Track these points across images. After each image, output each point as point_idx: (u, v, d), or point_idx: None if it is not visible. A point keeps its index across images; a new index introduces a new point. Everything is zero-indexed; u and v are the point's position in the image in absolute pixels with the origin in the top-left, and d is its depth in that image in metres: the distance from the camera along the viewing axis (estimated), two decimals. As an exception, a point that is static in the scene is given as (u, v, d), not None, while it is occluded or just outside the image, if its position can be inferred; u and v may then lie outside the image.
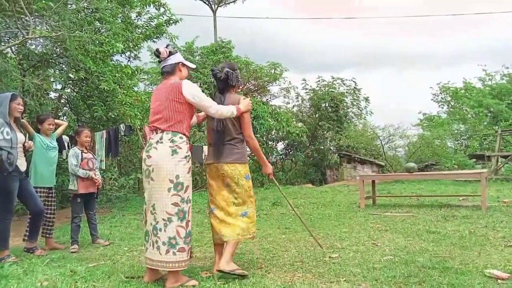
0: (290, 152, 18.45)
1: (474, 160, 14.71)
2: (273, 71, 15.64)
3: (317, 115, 17.97)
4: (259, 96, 16.15)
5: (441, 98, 24.39)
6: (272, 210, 7.71)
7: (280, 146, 18.30)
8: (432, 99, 24.53)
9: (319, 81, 17.79)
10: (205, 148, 11.98)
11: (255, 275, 3.29)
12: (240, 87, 3.77)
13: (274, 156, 17.85)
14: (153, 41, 10.08)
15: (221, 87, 3.43)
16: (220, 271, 3.15)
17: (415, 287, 2.85)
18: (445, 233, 4.76)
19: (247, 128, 3.36)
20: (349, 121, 18.17)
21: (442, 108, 24.35)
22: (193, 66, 3.61)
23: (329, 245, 4.37)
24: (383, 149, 17.12)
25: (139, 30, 9.64)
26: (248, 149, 3.60)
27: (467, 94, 22.36)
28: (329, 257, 3.85)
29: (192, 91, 3.15)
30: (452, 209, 6.69)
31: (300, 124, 17.15)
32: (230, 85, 3.39)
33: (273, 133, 17.14)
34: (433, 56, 43.45)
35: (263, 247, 4.42)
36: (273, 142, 17.78)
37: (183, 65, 3.36)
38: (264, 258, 3.91)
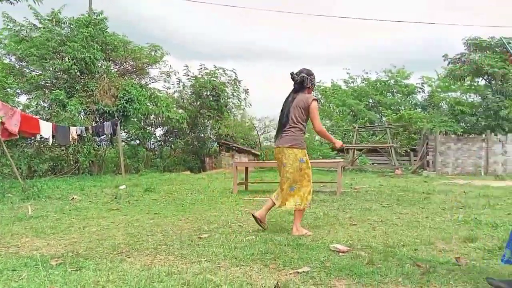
0: (170, 139, 18.09)
1: (336, 152, 16.44)
2: (153, 53, 15.03)
3: (198, 103, 17.93)
4: (138, 78, 15.37)
5: (313, 95, 26.59)
6: (143, 196, 7.44)
7: (159, 131, 17.81)
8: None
9: (201, 69, 17.76)
10: (72, 129, 10.96)
11: (114, 260, 3.13)
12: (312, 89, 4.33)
13: (152, 142, 17.28)
14: (11, 3, 8.74)
15: (297, 88, 4.14)
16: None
17: (269, 262, 3.04)
18: (303, 214, 5.20)
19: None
20: (229, 111, 18.56)
21: (313, 104, 26.56)
22: None
23: (197, 228, 4.40)
24: (259, 139, 17.95)
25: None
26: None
27: (334, 93, 24.79)
28: (198, 237, 3.88)
29: None
30: (313, 194, 7.35)
31: (180, 111, 16.90)
32: (305, 87, 4.12)
33: (151, 118, 16.55)
34: (307, 55, 47.05)
35: (128, 232, 4.23)
36: (152, 127, 17.19)
37: None
38: (127, 243, 3.74)
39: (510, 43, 2.41)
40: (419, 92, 23.90)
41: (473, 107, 17.99)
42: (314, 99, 4.10)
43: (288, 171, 4.07)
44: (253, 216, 4.22)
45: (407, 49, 40.97)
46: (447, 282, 2.62)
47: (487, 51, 17.04)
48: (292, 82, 4.18)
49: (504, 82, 16.63)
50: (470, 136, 15.06)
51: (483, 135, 14.71)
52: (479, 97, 18.69)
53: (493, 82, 17.16)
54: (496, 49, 16.87)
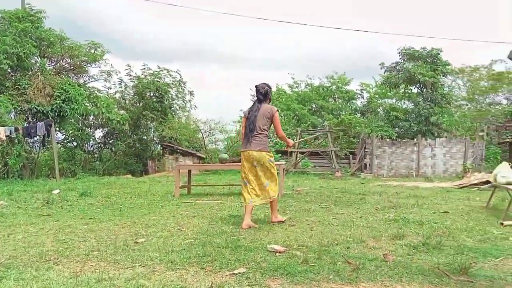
0: (110, 141, 17.40)
1: (280, 155, 16.73)
2: (93, 51, 14.38)
3: (141, 104, 17.43)
4: (75, 77, 14.62)
5: (258, 99, 26.89)
6: (79, 201, 7.08)
7: (99, 133, 17.06)
8: (251, 100, 26.84)
9: (144, 69, 17.30)
10: (0, 129, 10.19)
11: (40, 268, 2.94)
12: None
13: (90, 144, 16.50)
14: None
15: (262, 98, 4.73)
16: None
17: (206, 264, 3.03)
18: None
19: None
20: (173, 113, 18.24)
21: (259, 108, 26.86)
22: None
23: (134, 233, 4.26)
24: (204, 142, 17.80)
25: None
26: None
27: (279, 98, 25.24)
28: (135, 242, 3.77)
29: None
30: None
31: (122, 112, 16.33)
32: (268, 98, 4.78)
33: (90, 119, 15.82)
34: (253, 59, 47.50)
35: (58, 239, 4.00)
36: (91, 128, 16.42)
37: None
38: (56, 250, 3.54)
39: None
40: (359, 98, 25.09)
41: (407, 113, 19.17)
42: (276, 110, 4.74)
43: (259, 171, 4.65)
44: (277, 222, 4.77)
45: (348, 56, 42.81)
46: (374, 278, 2.76)
47: (419, 61, 18.28)
48: (255, 93, 4.78)
49: (434, 91, 17.92)
50: (404, 140, 16.04)
51: (415, 140, 15.74)
52: (412, 104, 19.97)
53: (424, 90, 18.43)
54: (427, 59, 18.16)
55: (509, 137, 17.29)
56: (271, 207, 4.81)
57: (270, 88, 4.83)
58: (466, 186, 9.85)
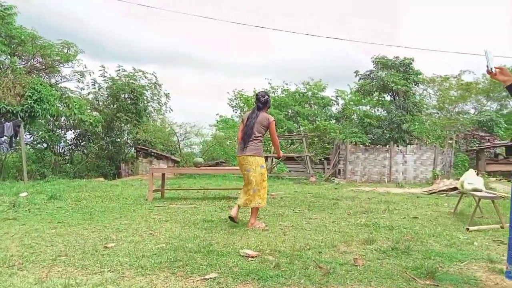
0: (82, 143, 16.99)
1: (256, 159, 16.73)
2: (66, 51, 14.04)
3: (115, 106, 17.12)
4: (47, 77, 14.22)
5: (236, 103, 26.93)
6: (47, 204, 6.86)
7: (70, 135, 16.63)
8: (228, 104, 26.81)
9: (119, 70, 17.02)
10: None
11: (2, 274, 2.83)
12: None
13: (61, 146, 16.06)
14: None
15: (261, 106, 4.97)
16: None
17: (177, 270, 3.00)
18: (218, 221, 5.22)
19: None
20: (148, 115, 18.00)
21: (236, 112, 26.91)
22: None
23: (104, 237, 4.17)
24: (179, 145, 17.63)
25: None
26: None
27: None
28: (104, 247, 3.68)
29: None
30: (230, 201, 7.43)
31: (95, 113, 16.00)
32: (266, 106, 5.03)
33: (62, 120, 15.41)
34: (232, 64, 47.59)
35: (23, 243, 3.86)
36: (62, 130, 15.98)
37: None
38: (21, 255, 3.42)
39: (488, 55, 2.59)
40: (334, 104, 25.49)
41: (380, 120, 19.60)
42: (273, 120, 5.03)
43: (251, 175, 4.85)
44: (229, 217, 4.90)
45: (324, 63, 43.48)
46: (344, 282, 2.81)
47: (392, 70, 18.75)
48: (255, 101, 5.03)
49: (406, 99, 18.42)
50: (377, 146, 16.39)
51: (387, 146, 16.11)
52: (385, 111, 20.44)
53: (397, 98, 18.91)
54: (400, 68, 18.65)
55: (477, 145, 17.95)
56: (252, 212, 4.92)
57: (269, 97, 5.14)
58: (435, 192, 10.14)
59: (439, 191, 10.19)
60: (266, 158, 16.59)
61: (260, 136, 4.95)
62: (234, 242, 3.97)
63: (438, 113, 25.44)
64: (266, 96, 5.05)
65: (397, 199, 8.46)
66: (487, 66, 2.62)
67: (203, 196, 8.48)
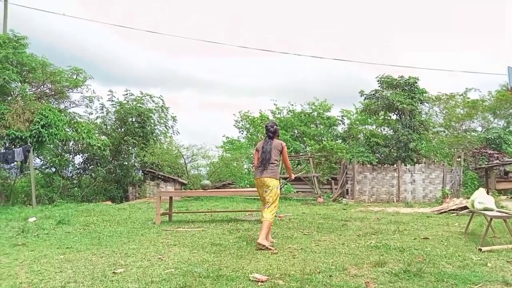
0: (90, 167, 17.09)
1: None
2: (75, 77, 14.32)
3: (122, 130, 17.29)
4: (56, 102, 14.47)
5: (242, 124, 27.08)
6: (56, 229, 6.87)
7: (79, 159, 16.76)
8: (234, 125, 26.97)
9: (127, 94, 17.26)
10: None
11: (12, 302, 2.83)
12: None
13: (69, 170, 16.18)
14: None
15: (271, 135, 5.53)
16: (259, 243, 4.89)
17: (187, 296, 2.97)
18: (226, 244, 5.19)
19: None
20: (155, 138, 18.12)
21: (242, 133, 27.03)
22: None
23: (112, 263, 4.15)
24: (186, 167, 17.67)
25: None
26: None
27: (262, 123, 25.46)
28: (113, 272, 3.67)
29: None
30: (238, 223, 7.39)
31: (103, 137, 16.13)
32: (275, 134, 5.58)
33: (70, 144, 15.57)
34: (232, 85, 47.96)
35: (33, 270, 3.86)
36: (70, 154, 16.13)
37: None
38: (31, 282, 3.42)
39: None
40: (340, 124, 25.50)
41: (386, 139, 19.54)
42: (285, 145, 5.57)
43: (269, 195, 5.35)
44: (260, 246, 4.93)
45: (329, 83, 43.76)
46: (356, 307, 2.76)
47: (397, 89, 18.82)
48: (266, 131, 5.58)
49: (412, 117, 18.40)
50: (384, 166, 16.29)
51: (395, 165, 16.01)
52: (392, 130, 20.41)
53: (403, 117, 18.90)
54: (405, 87, 18.72)
55: (485, 163, 17.77)
56: (263, 226, 5.17)
57: (278, 127, 5.71)
58: (445, 212, 10.00)
59: (449, 210, 10.05)
60: (273, 179, 16.54)
61: (277, 161, 5.47)
62: (243, 266, 3.94)
63: (445, 131, 25.30)
64: (275, 126, 5.61)
65: (407, 219, 8.36)
66: (508, 83, 2.62)
67: (211, 218, 8.44)
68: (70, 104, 15.33)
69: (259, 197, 13.63)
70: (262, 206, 5.58)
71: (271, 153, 5.41)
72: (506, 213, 6.23)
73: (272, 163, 5.41)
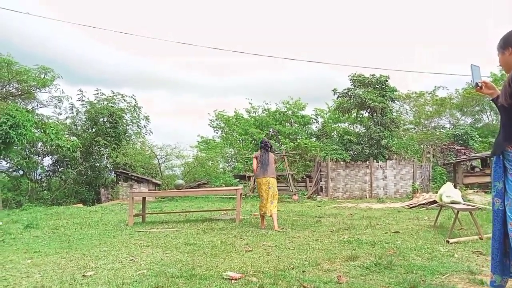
0: (60, 169, 16.60)
1: (238, 179, 16.70)
2: (43, 76, 13.86)
3: (93, 130, 16.88)
4: (23, 102, 13.96)
5: (217, 124, 26.94)
6: (23, 234, 6.64)
7: (48, 161, 16.25)
8: (209, 124, 26.80)
9: (98, 94, 16.85)
10: None
11: (-26, 309, 2.71)
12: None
13: (38, 172, 15.66)
14: None
15: (268, 149, 7.08)
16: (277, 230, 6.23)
17: (159, 296, 2.92)
18: (200, 244, 5.14)
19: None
20: (128, 139, 17.78)
21: (217, 133, 26.89)
22: None
23: (82, 266, 4.04)
24: (160, 168, 17.43)
25: None
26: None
27: (237, 122, 25.43)
28: (83, 275, 3.57)
29: None
30: (212, 223, 7.35)
31: (73, 138, 15.70)
32: (271, 148, 7.20)
33: (39, 146, 15.07)
34: (205, 85, 47.58)
35: (-3, 276, 3.71)
36: (39, 156, 15.61)
37: None
38: (-6, 288, 3.28)
39: (475, 70, 2.65)
40: (314, 122, 25.78)
41: (359, 136, 19.90)
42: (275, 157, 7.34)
43: (272, 192, 6.84)
44: (279, 229, 6.39)
45: (302, 83, 44.10)
46: (328, 300, 2.79)
47: (369, 87, 19.20)
48: (263, 146, 7.11)
49: (383, 115, 18.82)
50: (357, 163, 16.59)
51: (367, 162, 16.33)
52: (364, 128, 20.79)
53: (375, 114, 19.30)
54: (376, 86, 19.12)
55: (453, 158, 18.39)
56: (273, 219, 6.62)
57: (270, 143, 7.40)
58: (415, 206, 10.28)
59: (419, 205, 10.34)
60: (249, 178, 16.57)
61: (274, 164, 7.15)
62: (217, 265, 3.92)
63: (415, 128, 26.02)
64: (269, 143, 7.25)
65: (379, 214, 8.54)
66: (471, 81, 2.72)
67: (185, 219, 8.36)
68: (37, 105, 14.86)
69: (235, 196, 14.82)
70: (262, 203, 6.86)
71: (269, 159, 7.01)
72: (472, 206, 6.46)
73: (271, 165, 6.98)
